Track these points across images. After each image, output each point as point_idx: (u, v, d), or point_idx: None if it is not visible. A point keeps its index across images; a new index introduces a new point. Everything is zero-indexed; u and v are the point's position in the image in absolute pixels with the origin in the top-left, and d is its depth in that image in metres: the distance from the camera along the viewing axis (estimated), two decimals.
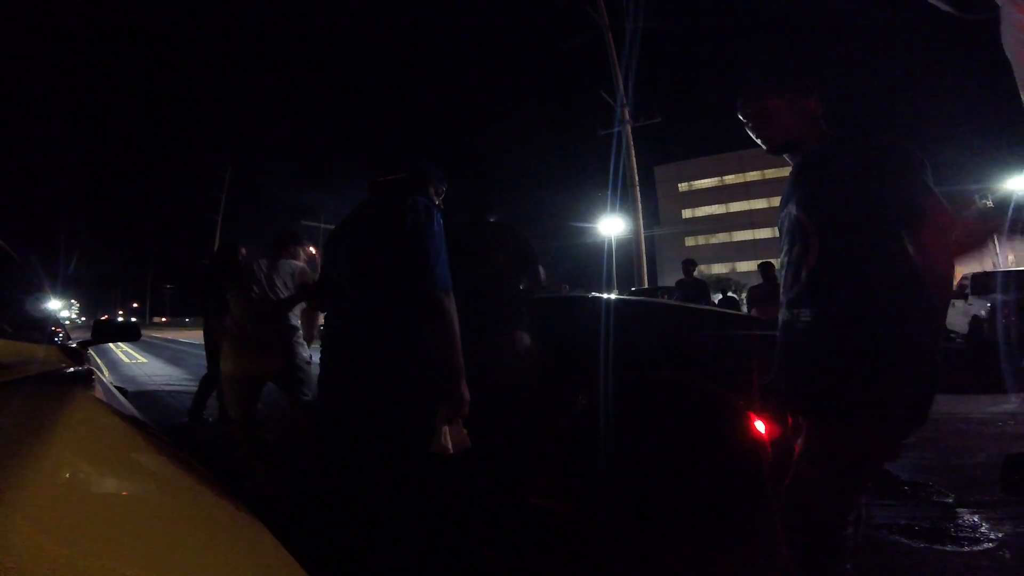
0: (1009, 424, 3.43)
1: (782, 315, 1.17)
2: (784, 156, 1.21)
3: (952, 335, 8.38)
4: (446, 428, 1.13)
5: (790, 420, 1.20)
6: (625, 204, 13.96)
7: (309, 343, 2.53)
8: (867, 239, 1.01)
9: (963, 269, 10.77)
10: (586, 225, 17.23)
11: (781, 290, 1.18)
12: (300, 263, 2.56)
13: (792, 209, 1.15)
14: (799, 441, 1.14)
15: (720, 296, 10.01)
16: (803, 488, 1.06)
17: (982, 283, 7.94)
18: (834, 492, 1.03)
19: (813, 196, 1.11)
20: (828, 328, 1.05)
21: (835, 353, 1.03)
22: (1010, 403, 3.92)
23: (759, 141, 1.21)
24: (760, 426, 1.91)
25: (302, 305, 2.49)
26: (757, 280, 6.06)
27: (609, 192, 13.69)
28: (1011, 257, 22.64)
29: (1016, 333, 6.30)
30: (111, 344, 14.71)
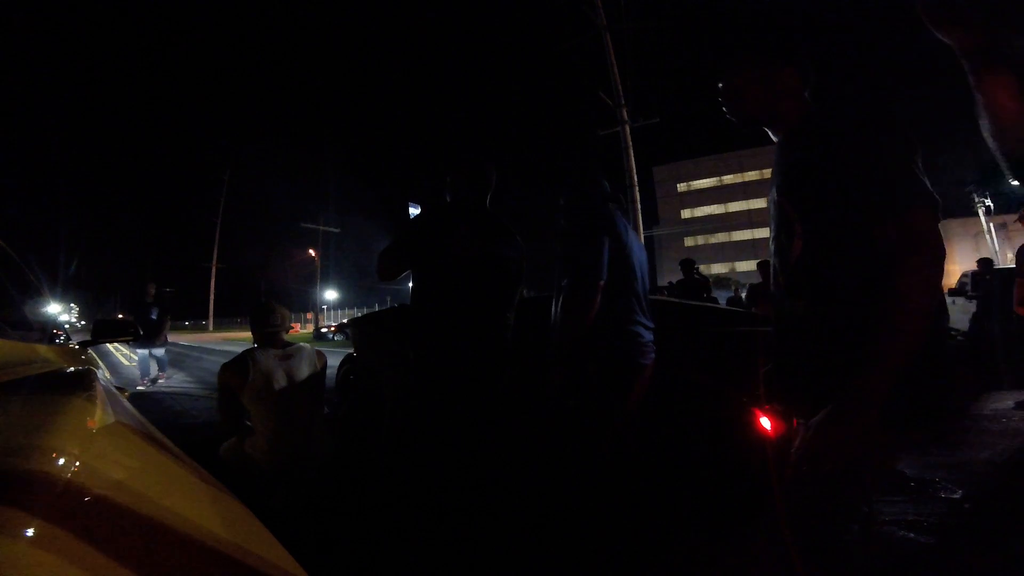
0: (1013, 420, 3.42)
1: (773, 307, 1.10)
2: (769, 134, 1.11)
3: (952, 332, 8.39)
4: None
5: (795, 421, 1.14)
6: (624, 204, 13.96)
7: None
8: (852, 225, 0.91)
9: (963, 267, 10.77)
10: None
11: (771, 280, 1.10)
12: None
13: (774, 193, 1.05)
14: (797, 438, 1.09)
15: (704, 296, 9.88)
16: (802, 486, 1.00)
17: (982, 281, 7.94)
18: (831, 491, 0.97)
19: (792, 178, 1.01)
20: (817, 321, 0.97)
21: (826, 348, 0.96)
22: (1013, 399, 3.91)
23: (728, 116, 1.11)
24: (765, 422, 1.90)
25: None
26: (756, 279, 6.06)
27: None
28: (1009, 255, 22.68)
29: (1015, 329, 6.30)
30: (111, 346, 14.70)
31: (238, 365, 2.09)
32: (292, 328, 2.69)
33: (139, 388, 6.45)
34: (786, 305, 1.05)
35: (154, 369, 6.89)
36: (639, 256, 1.72)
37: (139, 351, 6.64)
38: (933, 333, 0.90)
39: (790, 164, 1.02)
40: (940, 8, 0.75)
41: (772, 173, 1.09)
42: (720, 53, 1.10)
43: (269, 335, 2.21)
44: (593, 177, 1.76)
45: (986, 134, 0.83)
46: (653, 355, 1.68)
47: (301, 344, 2.30)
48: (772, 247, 1.08)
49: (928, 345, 0.88)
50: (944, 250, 0.88)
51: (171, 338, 8.26)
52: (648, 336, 1.64)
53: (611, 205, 1.69)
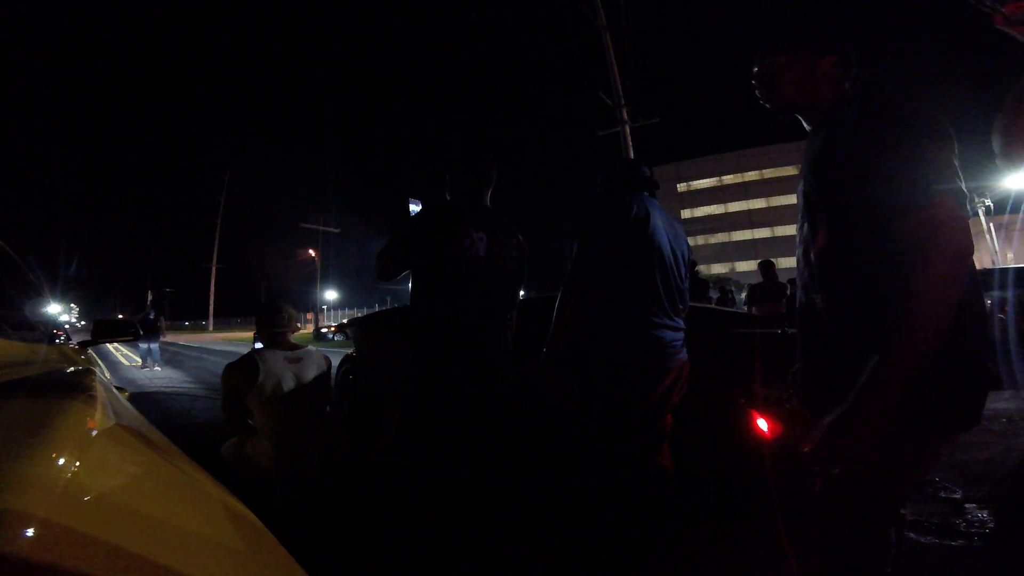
0: (1013, 420, 3.42)
1: (798, 299, 1.06)
2: (803, 122, 1.08)
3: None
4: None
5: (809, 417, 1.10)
6: None
7: None
8: (874, 218, 0.87)
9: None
10: None
11: (796, 271, 1.07)
12: None
13: (801, 183, 1.01)
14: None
15: (706, 296, 9.89)
16: (832, 491, 0.96)
17: (982, 280, 7.94)
18: (857, 494, 0.92)
19: (816, 166, 0.97)
20: (840, 316, 0.93)
21: (840, 343, 0.92)
22: (1013, 400, 3.91)
23: (761, 101, 1.08)
24: (762, 424, 1.90)
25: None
26: (756, 279, 6.06)
27: None
28: (1009, 255, 22.71)
29: (1015, 330, 6.30)
30: (111, 347, 14.69)
31: (246, 367, 2.05)
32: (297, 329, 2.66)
33: (144, 370, 9.05)
34: (806, 299, 1.01)
35: (150, 359, 9.31)
36: (672, 247, 1.63)
37: (141, 345, 9.35)
38: (968, 329, 0.84)
39: (816, 151, 0.98)
40: None
41: (803, 163, 1.05)
42: (762, 36, 1.07)
43: (275, 335, 2.18)
44: (626, 162, 1.74)
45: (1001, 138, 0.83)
46: (681, 356, 1.60)
47: (309, 347, 2.27)
48: (798, 236, 1.04)
49: (960, 341, 0.83)
50: (970, 244, 0.83)
51: (171, 338, 9.60)
52: (671, 336, 1.55)
53: (643, 194, 1.64)
